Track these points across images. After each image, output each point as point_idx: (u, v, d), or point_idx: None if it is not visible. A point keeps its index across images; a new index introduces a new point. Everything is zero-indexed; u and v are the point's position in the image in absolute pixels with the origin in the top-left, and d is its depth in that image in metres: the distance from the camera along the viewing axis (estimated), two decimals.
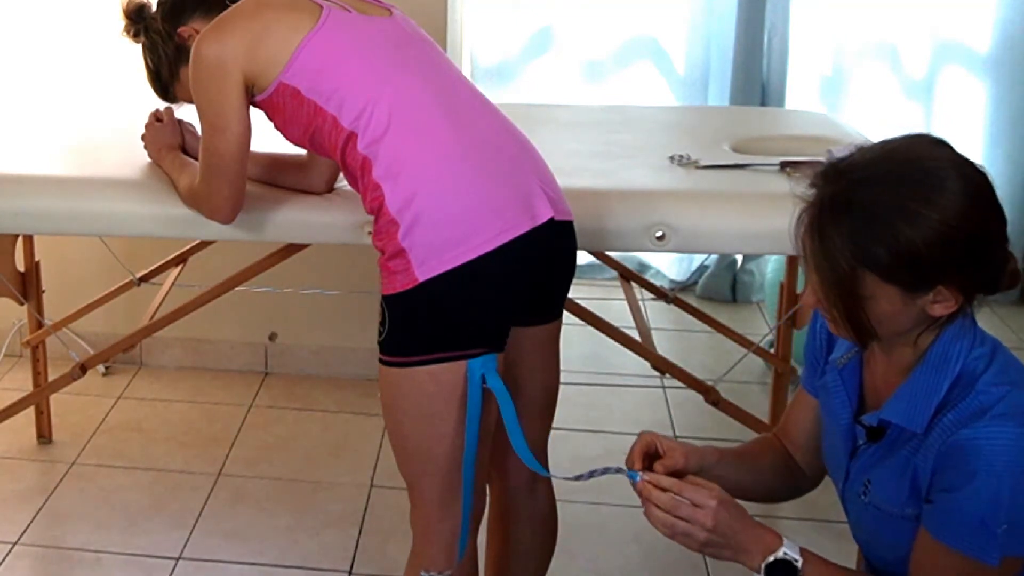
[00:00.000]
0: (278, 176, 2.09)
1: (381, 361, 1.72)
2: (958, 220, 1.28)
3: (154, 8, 2.00)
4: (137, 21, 2.00)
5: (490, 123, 1.78)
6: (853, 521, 1.51)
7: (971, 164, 1.33)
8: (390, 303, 1.69)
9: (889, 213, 1.29)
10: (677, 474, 1.49)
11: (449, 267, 1.64)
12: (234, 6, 1.81)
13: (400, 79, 1.73)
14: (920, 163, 1.32)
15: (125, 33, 2.03)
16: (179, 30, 1.94)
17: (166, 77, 2.00)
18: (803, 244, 1.36)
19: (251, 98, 1.80)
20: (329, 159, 1.87)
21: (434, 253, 1.65)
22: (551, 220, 1.72)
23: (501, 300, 1.69)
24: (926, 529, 1.34)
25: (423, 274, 1.65)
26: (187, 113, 2.05)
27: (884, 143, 1.38)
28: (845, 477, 1.49)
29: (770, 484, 1.64)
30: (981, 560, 1.29)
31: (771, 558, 1.38)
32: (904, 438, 1.39)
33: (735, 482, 1.57)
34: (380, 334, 1.71)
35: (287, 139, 1.86)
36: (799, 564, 1.37)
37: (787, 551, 1.37)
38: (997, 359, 1.35)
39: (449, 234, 1.65)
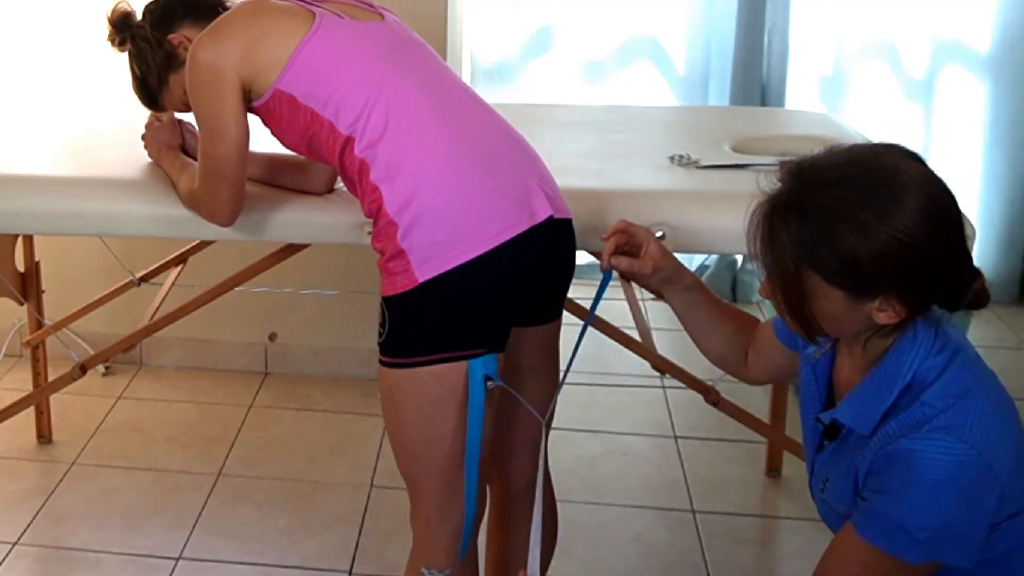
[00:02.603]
0: (278, 176, 2.09)
1: (381, 362, 1.72)
2: (908, 237, 1.28)
3: (140, 16, 1.98)
4: (122, 30, 1.98)
5: (487, 123, 1.78)
6: (821, 516, 1.54)
7: (938, 182, 1.33)
8: (390, 304, 1.69)
9: (839, 219, 1.29)
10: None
11: (449, 267, 1.64)
12: (230, 12, 1.81)
13: (395, 82, 1.73)
14: (882, 174, 1.32)
15: (110, 42, 2.01)
16: (169, 37, 1.93)
17: (154, 85, 1.98)
18: (753, 238, 1.38)
19: (248, 103, 1.80)
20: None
21: (434, 253, 1.65)
22: (550, 218, 1.72)
23: (501, 299, 1.69)
24: (851, 521, 1.37)
25: (423, 274, 1.65)
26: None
27: (853, 147, 1.38)
28: (812, 471, 1.52)
29: (715, 346, 1.71)
30: (898, 556, 1.32)
31: None
32: (855, 439, 1.41)
33: (684, 315, 1.69)
34: (380, 335, 1.71)
35: (284, 145, 1.86)
36: None
37: None
38: (950, 369, 1.34)
39: (448, 234, 1.65)
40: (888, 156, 1.35)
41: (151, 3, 1.99)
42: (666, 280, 1.64)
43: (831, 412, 1.44)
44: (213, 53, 1.75)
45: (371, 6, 1.87)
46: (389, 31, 1.82)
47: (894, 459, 1.31)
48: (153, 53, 1.95)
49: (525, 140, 1.82)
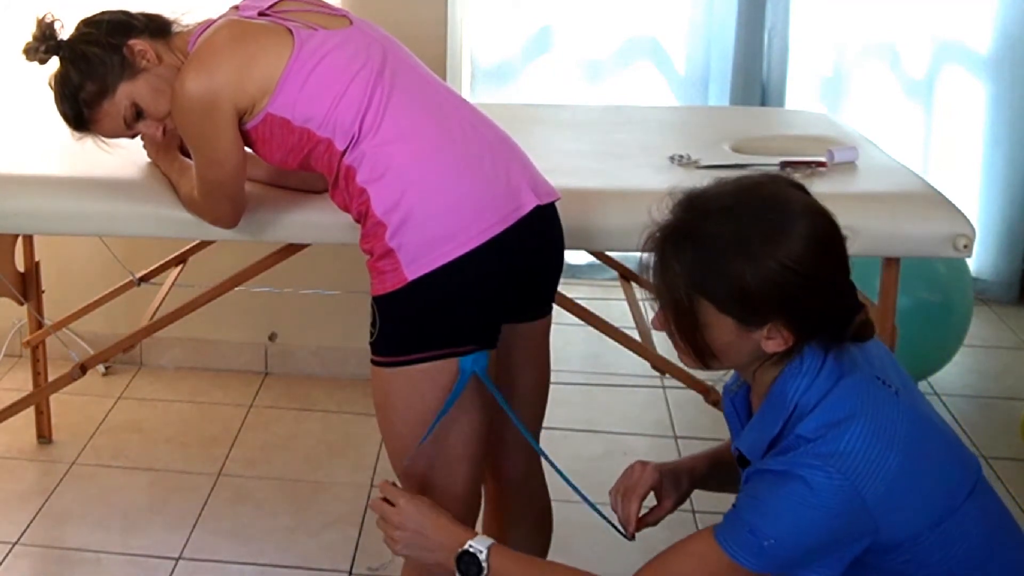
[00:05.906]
0: (279, 177, 2.09)
1: (373, 361, 1.73)
2: (795, 264, 1.31)
3: (80, 26, 1.90)
4: (52, 38, 1.89)
5: (467, 117, 1.79)
6: None
7: (823, 212, 1.36)
8: (380, 303, 1.69)
9: (728, 248, 1.32)
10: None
11: (438, 264, 1.65)
12: (210, 39, 1.76)
13: (383, 88, 1.73)
14: (770, 203, 1.35)
15: (27, 52, 1.90)
16: (129, 43, 1.84)
17: (92, 95, 1.84)
18: (646, 268, 1.41)
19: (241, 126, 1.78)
20: None
21: (422, 251, 1.65)
22: (536, 207, 1.72)
23: (491, 295, 1.70)
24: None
25: (412, 272, 1.65)
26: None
27: (741, 178, 1.41)
28: None
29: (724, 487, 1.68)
30: (737, 560, 1.34)
31: (459, 551, 1.49)
32: None
33: (720, 485, 1.66)
34: (372, 335, 1.72)
35: (269, 163, 1.84)
36: (483, 555, 1.47)
37: (472, 544, 1.48)
38: (829, 397, 1.36)
39: (437, 232, 1.65)
40: (774, 186, 1.39)
41: (98, 14, 1.91)
42: (685, 492, 1.67)
43: (735, 442, 1.48)
44: (206, 85, 1.72)
45: (332, 9, 1.85)
46: (363, 35, 1.80)
47: (761, 474, 1.35)
48: (108, 58, 1.84)
49: (506, 133, 1.82)
